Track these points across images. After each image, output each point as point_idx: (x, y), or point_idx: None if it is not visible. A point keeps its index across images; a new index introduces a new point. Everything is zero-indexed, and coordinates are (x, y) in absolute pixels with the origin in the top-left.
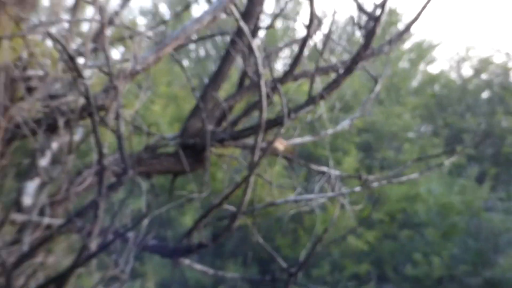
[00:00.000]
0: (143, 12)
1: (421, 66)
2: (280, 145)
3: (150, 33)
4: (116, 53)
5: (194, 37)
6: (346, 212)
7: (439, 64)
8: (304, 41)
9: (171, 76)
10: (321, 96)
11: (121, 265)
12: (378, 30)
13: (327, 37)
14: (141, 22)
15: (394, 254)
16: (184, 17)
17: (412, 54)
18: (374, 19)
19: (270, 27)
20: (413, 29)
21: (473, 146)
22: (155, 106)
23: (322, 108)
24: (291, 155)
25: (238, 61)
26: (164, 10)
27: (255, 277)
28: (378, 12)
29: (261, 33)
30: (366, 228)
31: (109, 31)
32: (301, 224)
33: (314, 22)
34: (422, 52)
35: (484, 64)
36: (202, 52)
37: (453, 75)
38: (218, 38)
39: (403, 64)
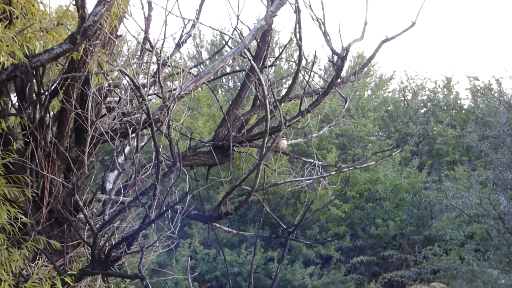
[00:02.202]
0: (189, 56)
1: (379, 92)
2: (283, 144)
3: (191, 70)
4: (168, 84)
5: (220, 72)
6: (329, 191)
7: (390, 88)
8: (295, 74)
9: (210, 100)
10: (308, 111)
11: (172, 227)
12: (345, 66)
13: (311, 71)
14: (187, 61)
15: (363, 219)
16: (217, 58)
17: (372, 84)
18: (341, 58)
19: (273, 65)
20: (371, 66)
21: (414, 145)
22: (199, 121)
23: (309, 119)
24: (288, 152)
25: (252, 89)
26: (204, 54)
27: (266, 236)
28: (344, 53)
29: (271, 69)
30: (343, 202)
31: (164, 70)
32: (299, 199)
33: (302, 61)
34: (379, 82)
35: (419, 89)
36: (231, 84)
37: (399, 97)
38: (239, 74)
39: (367, 91)
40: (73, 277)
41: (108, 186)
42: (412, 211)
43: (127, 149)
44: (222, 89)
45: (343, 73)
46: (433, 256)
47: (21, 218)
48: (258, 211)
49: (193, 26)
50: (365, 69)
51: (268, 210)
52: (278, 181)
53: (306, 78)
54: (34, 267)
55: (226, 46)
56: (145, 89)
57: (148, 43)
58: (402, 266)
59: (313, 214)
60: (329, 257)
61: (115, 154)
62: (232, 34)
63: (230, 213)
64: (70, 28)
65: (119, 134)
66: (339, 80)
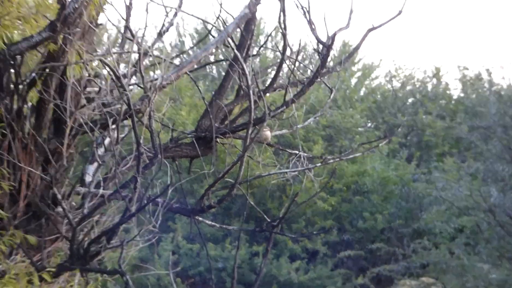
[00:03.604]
0: (171, 45)
1: (366, 81)
2: (267, 135)
3: (173, 60)
4: (150, 74)
5: (203, 62)
6: (315, 183)
7: (378, 79)
8: (280, 64)
9: (193, 91)
10: (292, 101)
11: (153, 221)
12: (331, 55)
13: (295, 61)
14: (169, 50)
15: (350, 213)
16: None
17: (359, 73)
18: (327, 47)
19: (257, 54)
20: (358, 55)
21: (403, 136)
22: (181, 112)
23: (294, 109)
24: (272, 143)
25: (236, 79)
26: (187, 43)
27: (250, 229)
28: (329, 42)
29: (256, 58)
30: (330, 195)
31: (145, 59)
32: (284, 192)
33: (286, 50)
34: (366, 71)
35: (408, 79)
36: (215, 73)
37: (387, 87)
38: (222, 63)
39: (354, 80)
40: (51, 273)
41: (88, 178)
42: (401, 204)
43: (107, 140)
44: (205, 79)
45: (329, 63)
46: (422, 250)
47: None
48: (242, 205)
49: (176, 14)
50: (351, 58)
51: (253, 203)
52: (263, 173)
53: (291, 67)
54: (10, 262)
55: (209, 35)
56: (126, 79)
57: (129, 32)
58: (391, 260)
59: (299, 208)
60: (315, 252)
61: (94, 145)
62: (215, 23)
63: (213, 206)
64: (48, 17)
65: (99, 125)
66: (324, 70)
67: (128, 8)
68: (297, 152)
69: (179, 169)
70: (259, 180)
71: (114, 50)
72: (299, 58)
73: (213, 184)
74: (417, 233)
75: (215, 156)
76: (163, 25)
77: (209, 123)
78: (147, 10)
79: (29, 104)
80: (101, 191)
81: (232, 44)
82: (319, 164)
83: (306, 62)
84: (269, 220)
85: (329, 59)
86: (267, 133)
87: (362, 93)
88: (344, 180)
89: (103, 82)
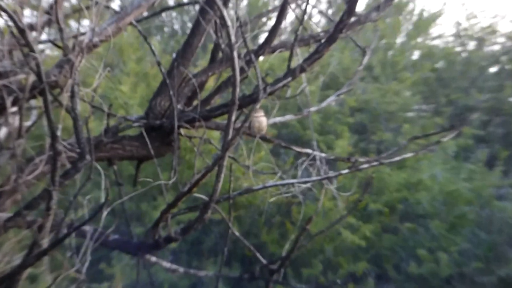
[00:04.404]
0: None
1: (420, 38)
2: (262, 124)
3: (111, 2)
4: (72, 26)
5: (158, 7)
6: (338, 202)
7: (440, 35)
8: (282, 8)
9: (142, 51)
10: (302, 69)
11: (77, 264)
12: None
13: (307, 4)
14: None
15: (395, 250)
16: None
17: (409, 25)
18: None
19: None
20: None
21: (480, 125)
22: (124, 86)
23: (304, 82)
24: (269, 136)
25: (211, 33)
26: None
27: (232, 276)
28: None
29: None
30: (363, 220)
31: (64, 2)
32: (289, 216)
33: None
34: (421, 23)
35: (488, 34)
36: (176, 26)
37: (455, 47)
38: (188, 9)
39: (401, 37)
40: None
41: None
42: (479, 236)
43: (2, 131)
44: (162, 34)
45: (361, 9)
46: None
47: None
48: (221, 236)
49: None
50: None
51: (238, 234)
52: (255, 185)
53: (300, 15)
54: None
55: None
56: (34, 33)
57: None
58: None
59: (313, 241)
60: None
61: None
62: None
63: (174, 239)
64: None
65: None
66: (352, 19)
67: None
68: (309, 151)
69: (119, 179)
70: (249, 196)
71: None
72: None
73: (174, 204)
74: (506, 283)
75: (177, 158)
76: None
77: (168, 103)
78: None
79: None
80: None
81: None
82: (346, 171)
83: (323, 6)
84: (264, 262)
85: (360, 1)
86: (262, 120)
87: (414, 56)
88: (386, 197)
89: None
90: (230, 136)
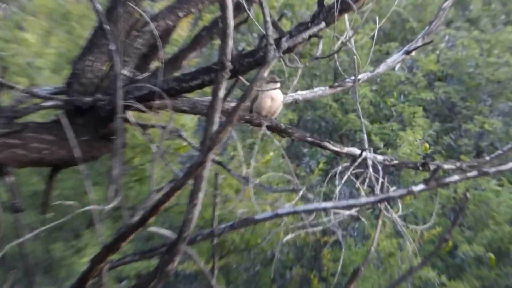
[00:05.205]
0: None
1: None
2: (275, 98)
3: None
4: None
5: None
6: (406, 240)
7: None
8: None
9: None
10: (343, 7)
11: None
12: None
13: None
14: None
15: None
16: None
17: None
18: None
19: None
20: None
21: None
22: (28, 33)
23: (347, 28)
24: (285, 125)
25: None
26: None
27: None
28: None
29: None
30: (449, 274)
31: None
32: (318, 267)
33: None
34: None
35: None
36: None
37: None
38: None
39: None
40: None
41: None
42: None
43: None
44: None
45: None
46: None
47: None
48: None
49: None
50: None
51: None
52: (258, 212)
53: None
54: None
55: None
56: None
57: None
58: None
59: None
60: None
61: None
62: None
63: None
64: None
65: None
66: None
67: None
68: (355, 150)
69: (15, 199)
70: (248, 232)
71: None
72: None
73: (113, 245)
74: None
75: (121, 163)
76: None
77: (106, 66)
78: None
79: None
80: None
81: None
82: (420, 186)
83: None
84: None
85: None
86: (274, 96)
87: None
88: (491, 233)
89: None
90: (216, 125)
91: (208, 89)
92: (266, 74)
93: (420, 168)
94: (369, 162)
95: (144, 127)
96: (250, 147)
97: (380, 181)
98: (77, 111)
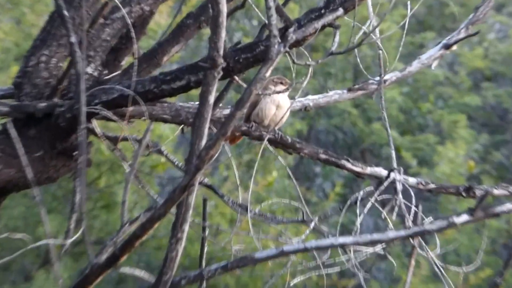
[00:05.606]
0: None
1: None
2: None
3: None
4: None
5: None
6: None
7: None
8: None
9: None
10: None
11: None
12: None
13: None
14: None
15: None
16: None
17: None
18: None
19: None
20: None
21: None
22: None
23: (372, 16)
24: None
25: None
26: None
27: None
28: None
29: None
30: None
31: None
32: None
33: None
34: None
35: None
36: None
37: None
38: None
39: None
40: None
41: None
42: None
43: None
44: None
45: None
46: None
47: None
48: None
49: None
50: None
51: None
52: (258, 248)
53: None
54: None
55: None
56: None
57: None
58: None
59: None
60: None
61: None
62: None
63: None
64: None
65: None
66: None
67: None
68: (380, 171)
69: None
70: (246, 274)
71: None
72: None
73: None
74: None
75: (84, 185)
76: None
77: (65, 63)
78: None
79: None
80: None
81: None
82: (464, 217)
83: None
84: None
85: None
86: (279, 101)
87: None
88: None
89: None
90: (204, 139)
91: (195, 92)
92: (268, 73)
93: (464, 194)
94: (399, 186)
95: (113, 140)
96: (248, 165)
97: (412, 210)
98: (28, 120)
